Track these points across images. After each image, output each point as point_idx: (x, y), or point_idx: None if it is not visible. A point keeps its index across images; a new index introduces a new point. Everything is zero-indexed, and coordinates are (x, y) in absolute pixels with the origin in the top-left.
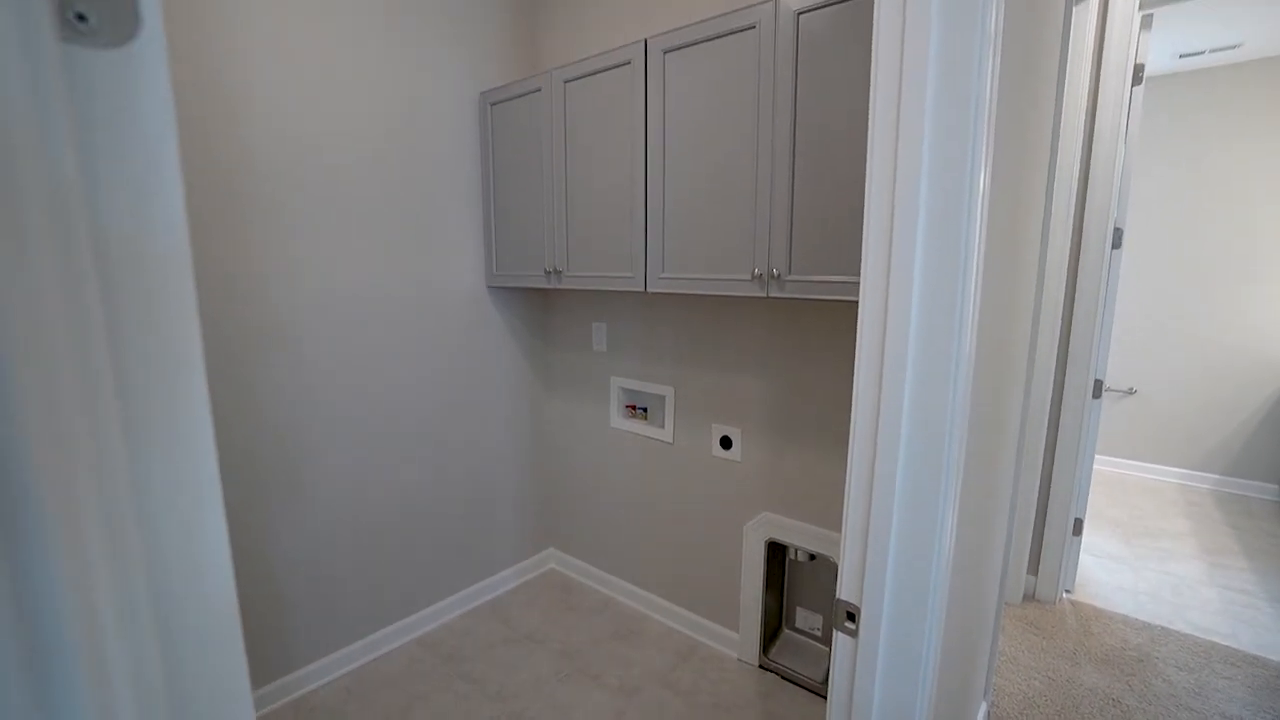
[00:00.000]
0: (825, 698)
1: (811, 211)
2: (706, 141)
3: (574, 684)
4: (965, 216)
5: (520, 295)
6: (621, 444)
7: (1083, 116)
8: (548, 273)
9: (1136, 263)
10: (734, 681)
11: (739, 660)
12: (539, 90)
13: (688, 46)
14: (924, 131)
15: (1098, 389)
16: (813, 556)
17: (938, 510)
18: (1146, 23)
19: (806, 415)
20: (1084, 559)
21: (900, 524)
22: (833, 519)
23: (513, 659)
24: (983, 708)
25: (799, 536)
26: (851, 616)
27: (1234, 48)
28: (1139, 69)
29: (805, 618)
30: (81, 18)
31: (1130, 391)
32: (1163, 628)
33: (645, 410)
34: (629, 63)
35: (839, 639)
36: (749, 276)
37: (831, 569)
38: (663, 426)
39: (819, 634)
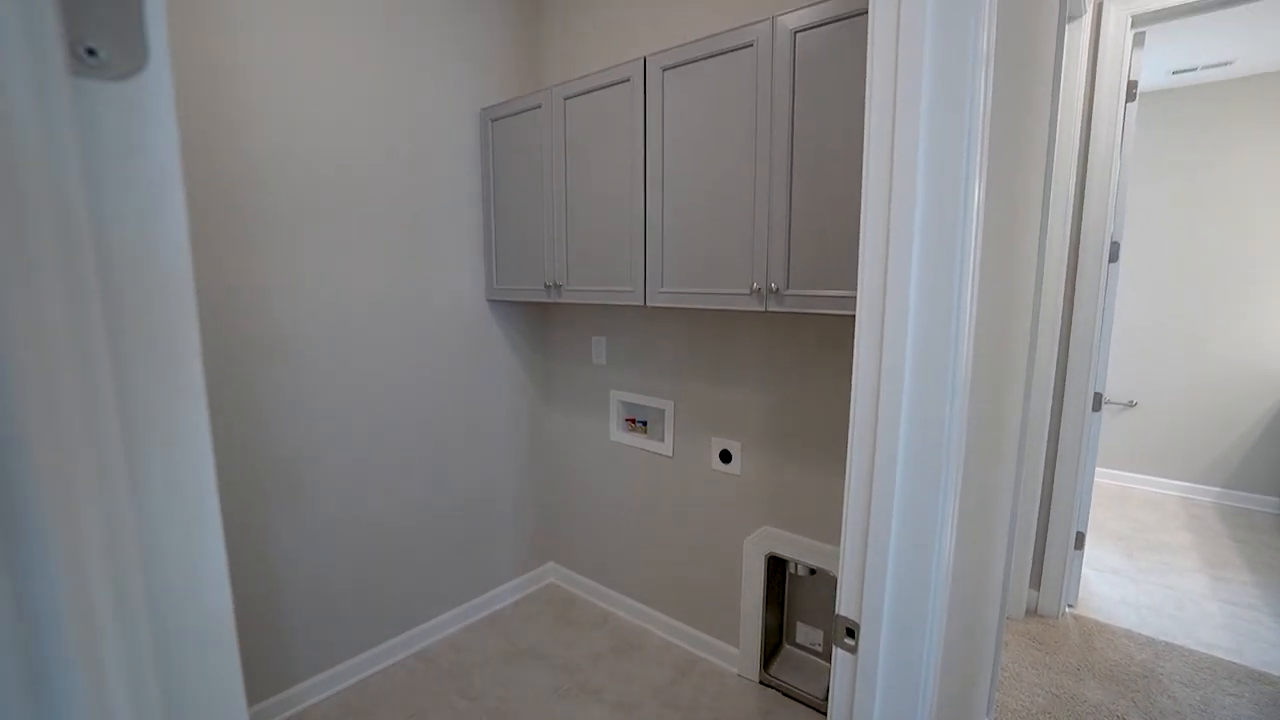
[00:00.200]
0: (826, 714)
1: (809, 226)
2: (705, 157)
3: (573, 700)
4: (960, 230)
5: (520, 309)
6: (621, 457)
7: (1078, 132)
8: (548, 286)
9: (1135, 275)
10: (734, 698)
11: (739, 676)
12: (539, 107)
13: (686, 64)
14: (919, 147)
15: (1097, 401)
16: (813, 571)
17: (936, 525)
18: (1139, 40)
19: (806, 429)
20: (1086, 573)
21: (899, 539)
22: (833, 533)
23: (512, 674)
24: None
25: (799, 551)
26: (851, 632)
27: (1226, 64)
28: (1132, 85)
29: (806, 633)
30: (91, 52)
31: (1130, 404)
32: (1167, 643)
33: (645, 423)
34: (628, 80)
35: (839, 655)
36: (748, 291)
37: (832, 583)
38: (662, 440)
39: (820, 649)
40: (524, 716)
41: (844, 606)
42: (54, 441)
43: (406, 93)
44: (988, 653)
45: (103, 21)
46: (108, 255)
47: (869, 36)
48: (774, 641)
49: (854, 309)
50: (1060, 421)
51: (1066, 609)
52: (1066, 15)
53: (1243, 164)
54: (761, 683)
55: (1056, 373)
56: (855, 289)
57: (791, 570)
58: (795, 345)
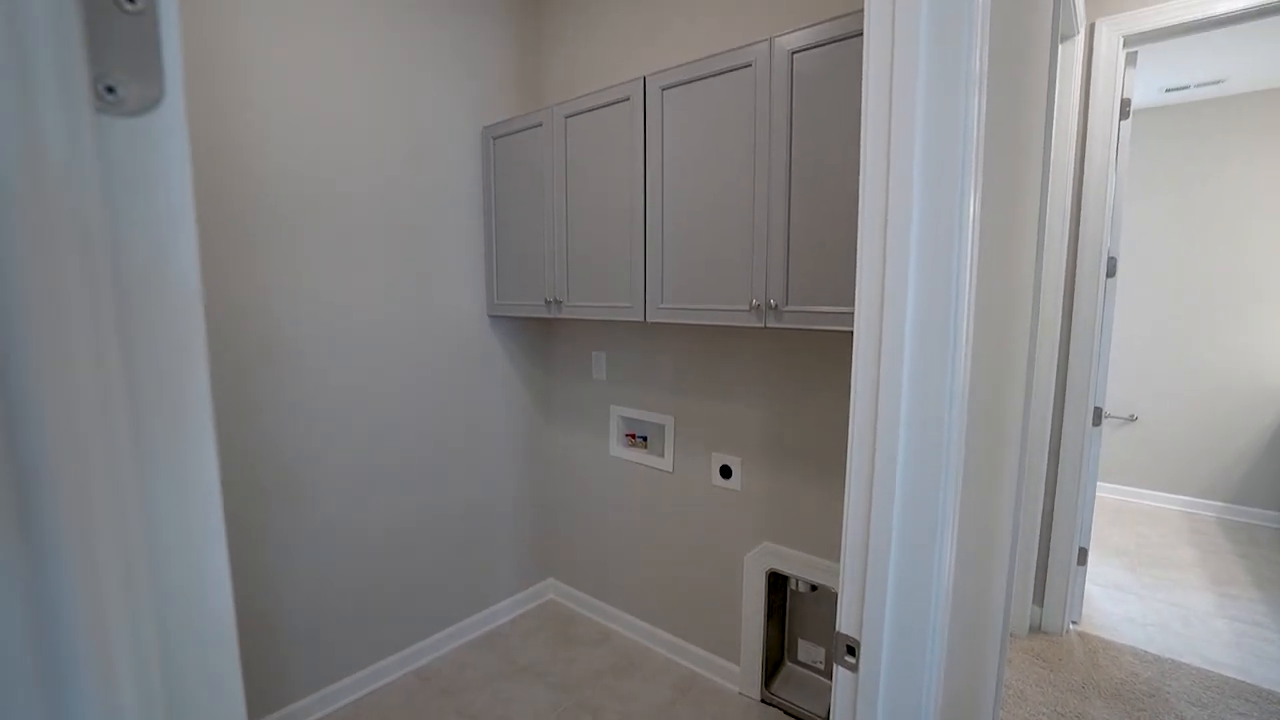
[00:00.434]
0: None
1: (807, 243)
2: (704, 175)
3: None
4: (957, 244)
5: (521, 324)
6: (621, 473)
7: (1073, 149)
8: (548, 302)
9: (1134, 289)
10: (735, 716)
11: (740, 694)
12: (540, 125)
13: (686, 84)
14: (914, 164)
15: (1098, 416)
16: (814, 587)
17: (936, 541)
18: (1131, 60)
19: (807, 444)
20: (1090, 589)
21: (899, 554)
22: (835, 549)
23: (511, 693)
24: None
25: (800, 567)
26: (852, 650)
27: (1218, 83)
28: (1125, 104)
29: (807, 650)
30: (111, 90)
31: (1131, 418)
32: (1173, 661)
33: (645, 439)
34: (628, 99)
35: (839, 673)
36: (747, 307)
37: (834, 600)
38: (663, 455)
39: (821, 667)
40: None
41: (844, 624)
42: (72, 447)
43: (411, 111)
44: (991, 670)
45: (123, 61)
46: (123, 281)
47: (864, 57)
48: (775, 659)
49: (852, 325)
50: (1061, 435)
51: (1070, 626)
52: (1059, 35)
53: (1238, 178)
54: (763, 701)
55: (1056, 387)
56: (854, 305)
57: (792, 587)
58: (795, 361)
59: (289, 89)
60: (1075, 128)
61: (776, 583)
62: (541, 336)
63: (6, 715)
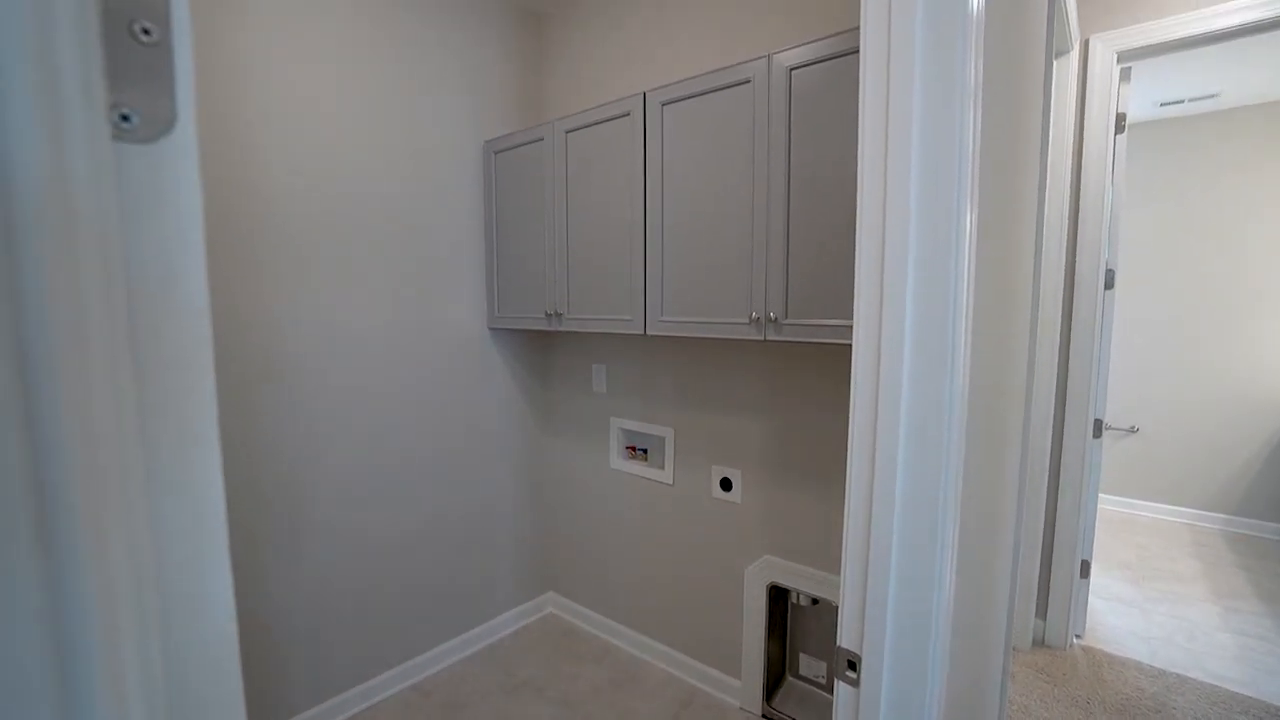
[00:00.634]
0: None
1: (806, 257)
2: (704, 189)
3: None
4: (953, 257)
5: (521, 337)
6: (622, 486)
7: (1069, 163)
8: (548, 315)
9: (1133, 301)
10: None
11: (741, 709)
12: (541, 140)
13: (685, 99)
14: (911, 179)
15: (1098, 428)
16: (815, 601)
17: (936, 553)
18: (1125, 75)
19: (807, 457)
20: (1093, 602)
21: (899, 568)
22: (836, 562)
23: (510, 708)
24: None
25: (801, 580)
26: (853, 665)
27: (1213, 97)
28: (1120, 118)
29: (809, 664)
30: (125, 118)
31: (1132, 430)
32: (1178, 675)
33: (645, 451)
34: (628, 114)
35: (840, 688)
36: (746, 320)
37: (835, 614)
38: (663, 468)
39: (823, 681)
40: None
41: (845, 638)
42: (89, 467)
43: (413, 126)
44: (993, 684)
45: (138, 90)
46: (135, 304)
47: (860, 73)
48: (776, 673)
49: (851, 338)
50: (1061, 448)
51: (1074, 639)
52: (1054, 51)
53: (1234, 189)
54: (764, 716)
55: (1056, 398)
56: (852, 318)
57: (793, 600)
58: (795, 374)
59: (293, 108)
60: (1071, 142)
61: (778, 596)
62: (542, 349)
63: None
